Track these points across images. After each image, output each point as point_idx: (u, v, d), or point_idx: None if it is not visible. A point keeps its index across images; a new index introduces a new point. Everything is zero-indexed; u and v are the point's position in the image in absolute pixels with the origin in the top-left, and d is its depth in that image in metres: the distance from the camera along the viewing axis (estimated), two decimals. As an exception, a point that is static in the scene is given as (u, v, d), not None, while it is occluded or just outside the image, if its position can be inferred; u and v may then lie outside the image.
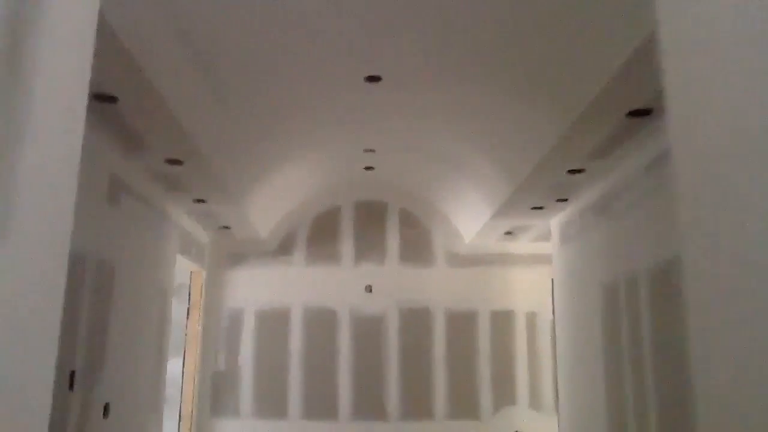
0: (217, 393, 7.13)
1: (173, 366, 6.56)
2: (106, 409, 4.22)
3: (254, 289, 7.40)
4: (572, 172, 4.63)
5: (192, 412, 6.82)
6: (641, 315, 4.11)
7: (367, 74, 4.14)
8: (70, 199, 1.39)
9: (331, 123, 5.18)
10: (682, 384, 3.54)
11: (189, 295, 7.06)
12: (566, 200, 5.44)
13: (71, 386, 3.64)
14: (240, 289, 7.40)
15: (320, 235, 7.55)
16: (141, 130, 3.92)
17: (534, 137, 4.33)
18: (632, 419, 4.21)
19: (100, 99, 3.41)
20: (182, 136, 3.99)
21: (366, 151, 6.14)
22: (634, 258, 4.27)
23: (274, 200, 6.75)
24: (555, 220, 6.13)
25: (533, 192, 5.24)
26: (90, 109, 3.57)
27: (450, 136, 5.34)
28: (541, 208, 5.72)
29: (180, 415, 6.67)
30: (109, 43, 2.76)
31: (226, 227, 6.74)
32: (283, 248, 7.52)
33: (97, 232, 4.08)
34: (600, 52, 3.09)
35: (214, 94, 4.08)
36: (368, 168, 6.81)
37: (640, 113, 3.54)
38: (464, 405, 7.17)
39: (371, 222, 7.60)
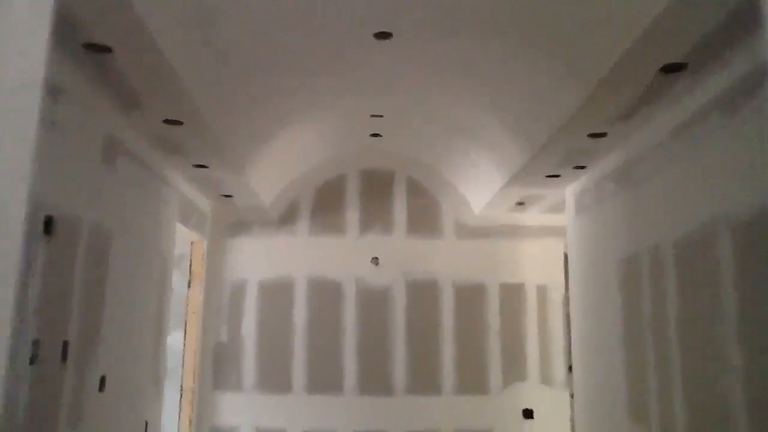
0: (219, 366, 6.97)
1: (174, 339, 6.40)
2: (102, 381, 4.04)
3: (257, 259, 7.20)
4: (593, 136, 4.38)
5: (194, 385, 6.68)
6: (666, 289, 3.89)
7: (376, 30, 3.89)
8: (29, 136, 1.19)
9: (337, 84, 4.93)
10: (711, 362, 3.34)
11: (190, 266, 6.88)
12: (584, 167, 5.19)
13: (64, 358, 3.45)
14: (242, 260, 7.20)
15: (325, 204, 7.34)
16: (138, 86, 3.68)
17: (554, 98, 4.08)
18: (655, 398, 4.01)
19: (94, 49, 3.17)
20: (181, 93, 3.75)
21: (373, 116, 5.90)
22: (659, 228, 4.04)
23: (278, 168, 6.53)
24: (570, 189, 5.89)
25: (549, 159, 4.99)
26: (84, 63, 3.34)
27: (462, 100, 5.08)
28: (557, 176, 5.48)
29: (182, 389, 6.54)
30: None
31: (228, 195, 6.52)
32: (287, 218, 7.31)
33: (92, 194, 3.85)
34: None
35: (214, 51, 3.83)
36: (375, 135, 6.57)
37: (673, 68, 3.28)
38: (472, 380, 7.01)
39: (377, 191, 7.38)
